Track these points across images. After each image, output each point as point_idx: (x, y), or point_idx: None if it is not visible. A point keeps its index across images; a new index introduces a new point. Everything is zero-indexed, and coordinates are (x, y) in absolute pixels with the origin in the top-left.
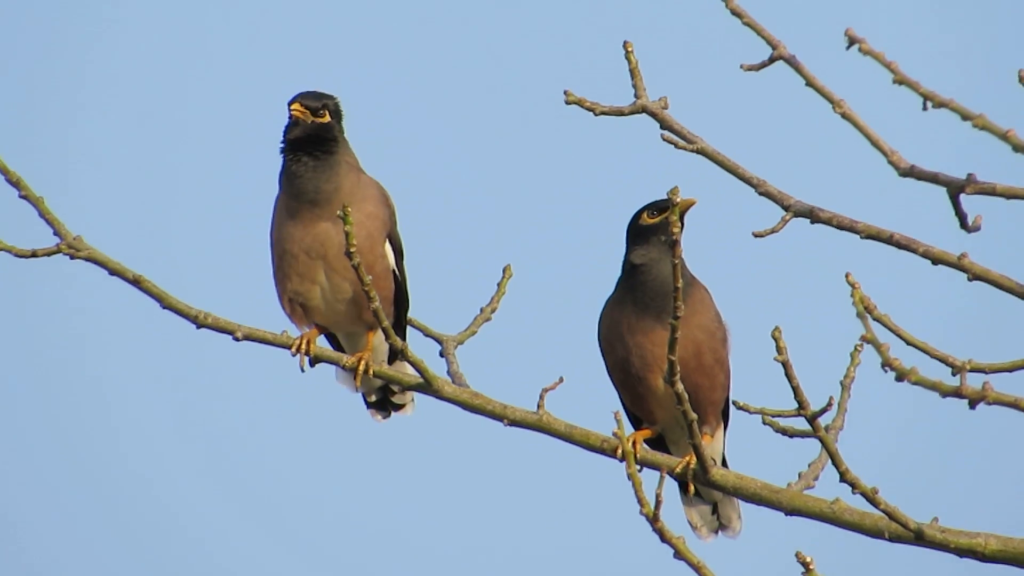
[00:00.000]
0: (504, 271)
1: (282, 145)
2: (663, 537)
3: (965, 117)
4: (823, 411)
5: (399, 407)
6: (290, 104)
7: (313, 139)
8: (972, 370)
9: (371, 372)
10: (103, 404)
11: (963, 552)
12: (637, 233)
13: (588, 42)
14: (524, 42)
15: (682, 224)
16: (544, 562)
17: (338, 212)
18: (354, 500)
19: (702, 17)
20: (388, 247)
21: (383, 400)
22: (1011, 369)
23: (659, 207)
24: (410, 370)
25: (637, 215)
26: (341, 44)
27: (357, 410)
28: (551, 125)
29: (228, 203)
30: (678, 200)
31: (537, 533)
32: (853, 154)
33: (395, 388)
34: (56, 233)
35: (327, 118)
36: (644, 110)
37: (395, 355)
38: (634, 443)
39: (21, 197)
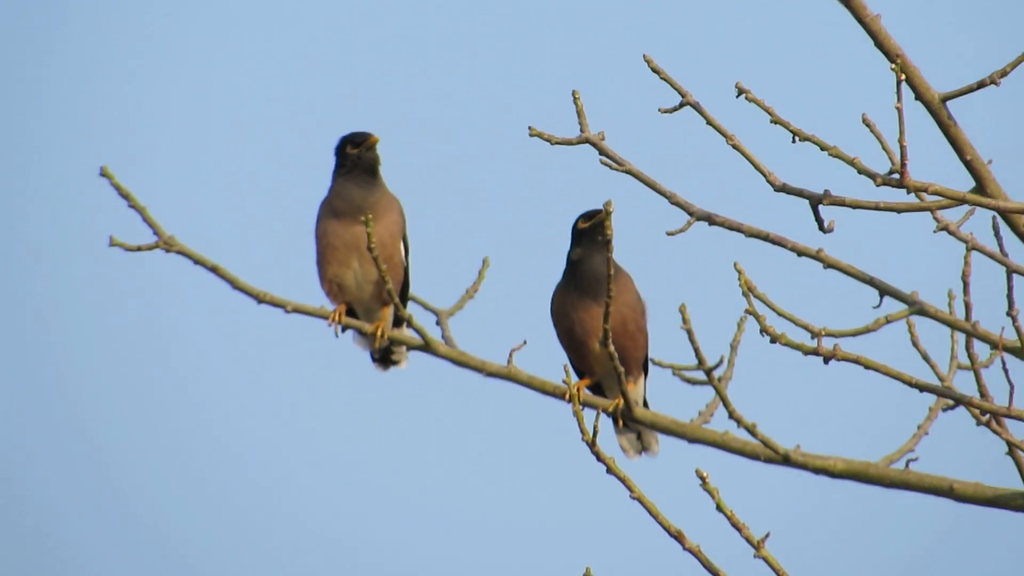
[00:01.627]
0: (484, 261)
1: (344, 165)
2: (599, 458)
3: (822, 148)
4: (716, 366)
5: (396, 363)
6: (362, 140)
7: (360, 163)
8: (826, 335)
9: (386, 336)
10: (191, 366)
11: (818, 470)
12: (576, 235)
13: (550, 77)
14: (501, 75)
15: (612, 229)
16: (510, 489)
17: (361, 218)
18: (360, 433)
19: (634, 71)
20: (402, 245)
21: (384, 358)
22: (854, 334)
23: (590, 215)
24: (413, 335)
25: (576, 221)
26: (365, 60)
27: (365, 365)
28: (519, 148)
29: (277, 200)
30: (610, 209)
31: (506, 464)
32: (742, 173)
33: (395, 348)
34: (155, 233)
35: (374, 150)
36: (587, 141)
37: (400, 323)
38: (578, 389)
39: (130, 207)
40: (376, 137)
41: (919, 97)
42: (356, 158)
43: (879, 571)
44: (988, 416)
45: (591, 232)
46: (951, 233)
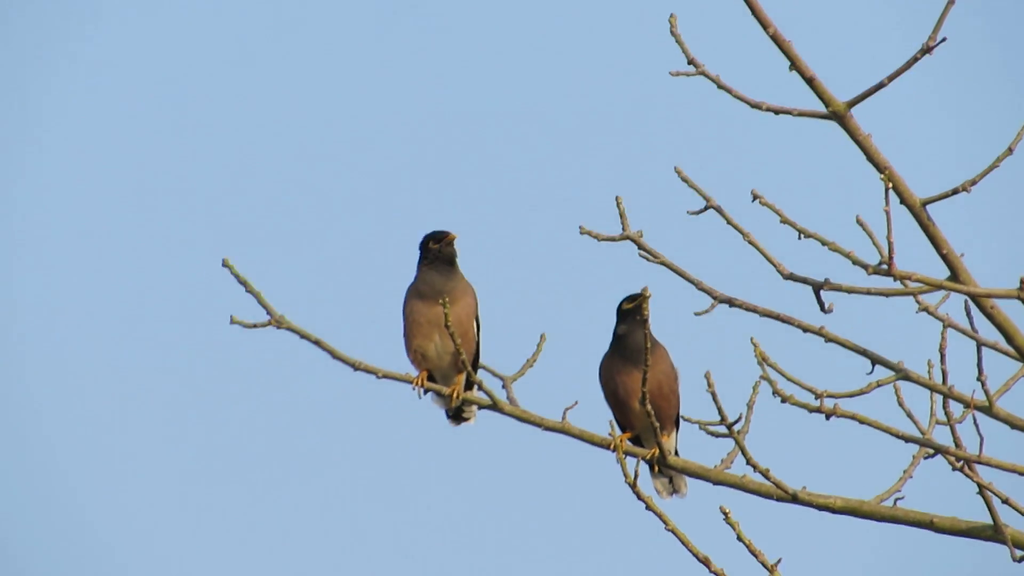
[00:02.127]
0: (541, 336)
1: (427, 257)
2: (639, 497)
3: (823, 243)
4: (736, 422)
5: (467, 419)
6: (442, 237)
7: (441, 257)
8: (827, 396)
9: (460, 397)
10: (298, 425)
11: (821, 507)
12: (620, 314)
13: (592, 179)
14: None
15: (648, 310)
16: (564, 525)
17: (440, 301)
18: (437, 478)
19: (666, 177)
20: (474, 323)
21: (457, 416)
22: (850, 396)
23: (632, 298)
24: (483, 396)
25: (620, 303)
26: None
27: (440, 421)
28: (571, 242)
29: (365, 281)
30: (647, 295)
31: (560, 505)
32: (757, 264)
33: (467, 408)
34: (268, 313)
35: (452, 246)
36: (628, 238)
37: (471, 386)
38: (622, 440)
39: (247, 292)
40: (454, 235)
41: (903, 201)
42: (438, 252)
43: None
44: (962, 462)
45: (632, 312)
46: (930, 313)
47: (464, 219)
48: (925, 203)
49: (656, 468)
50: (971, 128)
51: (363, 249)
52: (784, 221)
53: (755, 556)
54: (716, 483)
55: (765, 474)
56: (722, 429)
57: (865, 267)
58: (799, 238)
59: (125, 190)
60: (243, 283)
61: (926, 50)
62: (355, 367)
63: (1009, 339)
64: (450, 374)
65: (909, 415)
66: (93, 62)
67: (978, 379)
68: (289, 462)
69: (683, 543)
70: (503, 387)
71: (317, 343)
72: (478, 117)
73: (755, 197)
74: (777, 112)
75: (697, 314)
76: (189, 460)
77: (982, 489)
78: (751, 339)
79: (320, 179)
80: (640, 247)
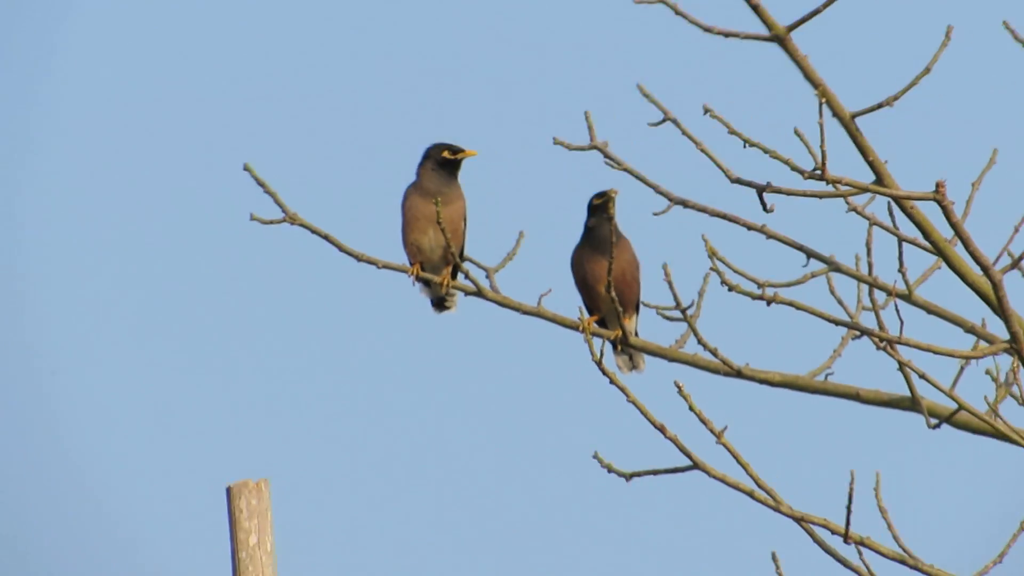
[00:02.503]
0: (520, 234)
1: (430, 162)
2: (604, 372)
3: (765, 151)
4: (689, 307)
5: (448, 308)
6: (457, 151)
7: (448, 165)
8: (768, 286)
9: (448, 284)
10: (310, 311)
11: (762, 381)
12: (590, 209)
13: (566, 94)
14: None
15: (615, 207)
16: (537, 398)
17: (435, 202)
18: (421, 357)
19: (631, 94)
20: (463, 222)
21: (440, 304)
22: (788, 285)
23: (601, 195)
24: (468, 284)
25: (591, 199)
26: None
27: (425, 307)
28: (546, 151)
29: (362, 182)
30: (613, 194)
31: (534, 380)
32: (708, 170)
33: (448, 297)
34: (283, 211)
35: (462, 160)
36: (595, 147)
37: (457, 275)
38: (589, 323)
39: (265, 192)
40: (473, 152)
41: (835, 115)
42: (448, 161)
43: (803, 456)
44: (884, 343)
45: (601, 208)
46: (858, 213)
47: (454, 131)
48: (854, 116)
49: (619, 347)
50: (898, 48)
51: (362, 153)
52: (732, 132)
53: (705, 424)
54: (671, 360)
55: (714, 352)
56: (677, 314)
57: (801, 172)
58: (744, 147)
59: (143, 105)
60: (262, 184)
61: None
62: (358, 258)
63: (926, 235)
64: (440, 265)
65: (839, 302)
66: None
67: (899, 271)
68: (296, 343)
69: (642, 412)
70: (486, 277)
71: (326, 237)
72: (470, 44)
73: (706, 111)
74: (726, 35)
75: (655, 214)
76: (205, 340)
77: (902, 366)
78: (702, 236)
79: (322, 95)
80: (605, 155)
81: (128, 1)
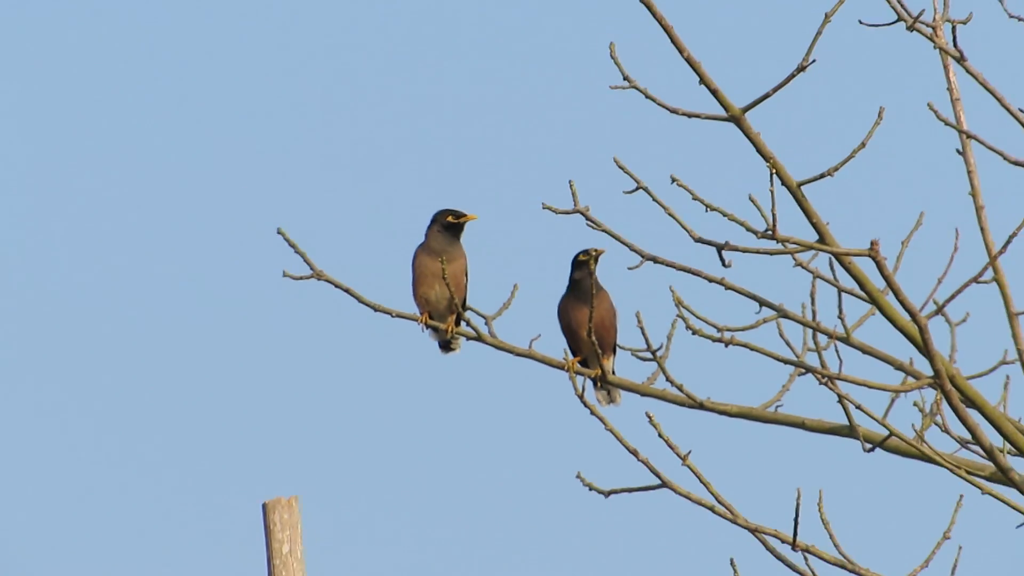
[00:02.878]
0: (515, 286)
1: (436, 225)
2: (585, 404)
3: (723, 215)
4: (658, 349)
5: (454, 350)
6: (460, 216)
7: (452, 228)
8: (726, 331)
9: (452, 331)
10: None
11: (721, 413)
12: (575, 264)
13: (555, 162)
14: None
15: (596, 263)
16: (526, 423)
17: (441, 260)
18: (429, 393)
19: (609, 163)
20: (465, 277)
21: (446, 346)
22: (743, 330)
23: (586, 252)
24: (470, 330)
25: (576, 255)
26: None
27: (432, 349)
28: (534, 215)
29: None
30: (595, 253)
31: (524, 410)
32: (675, 230)
33: (454, 340)
34: (311, 268)
35: (464, 224)
36: (578, 212)
37: (460, 323)
38: (573, 363)
39: (289, 245)
40: (473, 216)
41: (784, 183)
42: (452, 224)
43: (756, 476)
44: (826, 379)
45: (585, 264)
46: (804, 268)
47: (457, 198)
48: (800, 184)
49: (598, 384)
50: (838, 125)
51: (378, 217)
52: (695, 198)
53: (672, 449)
54: (643, 395)
55: (680, 388)
56: (648, 355)
57: (755, 233)
58: (706, 211)
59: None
60: (292, 246)
61: (801, 69)
62: (375, 309)
63: (862, 286)
64: (445, 314)
65: (787, 344)
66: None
67: (839, 317)
68: (323, 381)
69: (618, 439)
70: (485, 324)
71: (347, 291)
72: (472, 121)
73: (673, 180)
74: (689, 116)
75: (630, 268)
76: (244, 380)
77: (841, 399)
78: (670, 287)
79: (343, 168)
80: (587, 218)
81: (144, 71)
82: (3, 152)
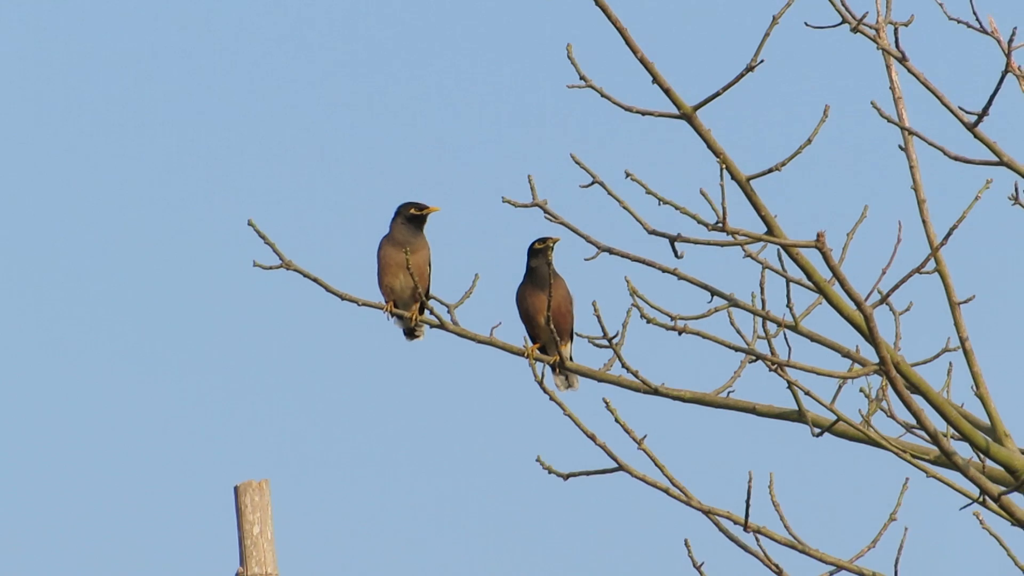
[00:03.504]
0: (475, 276)
1: (400, 217)
2: (544, 390)
3: (676, 208)
4: (614, 337)
5: (418, 337)
6: (422, 208)
7: (415, 220)
8: (679, 319)
9: (416, 319)
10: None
11: (675, 398)
12: (531, 252)
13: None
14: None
15: (552, 251)
16: (488, 410)
17: (405, 251)
18: (393, 378)
19: (566, 158)
20: (428, 267)
21: (410, 333)
22: (696, 318)
23: (543, 240)
24: (432, 318)
25: (532, 243)
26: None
27: (398, 337)
28: (494, 209)
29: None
30: (551, 244)
31: (485, 396)
32: (629, 222)
33: (418, 328)
34: (280, 258)
35: (427, 216)
36: (537, 205)
37: (423, 311)
38: (532, 350)
39: (259, 236)
40: (436, 208)
41: (734, 177)
42: (414, 216)
43: (709, 460)
44: (776, 366)
45: (542, 252)
46: (753, 258)
47: (422, 191)
48: (749, 179)
49: (557, 370)
50: (786, 121)
51: (344, 208)
52: (648, 192)
53: (628, 433)
54: (600, 381)
55: (635, 374)
56: (604, 342)
57: (706, 225)
58: (659, 204)
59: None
60: (262, 237)
61: (750, 68)
62: (342, 297)
63: (809, 276)
64: (409, 303)
65: (738, 332)
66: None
67: (787, 306)
68: (292, 367)
69: (576, 424)
70: (448, 312)
71: (315, 280)
72: (436, 117)
73: (628, 175)
74: (643, 113)
75: (586, 259)
76: (216, 367)
77: (790, 385)
78: (625, 277)
79: (315, 160)
80: (545, 211)
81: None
82: None
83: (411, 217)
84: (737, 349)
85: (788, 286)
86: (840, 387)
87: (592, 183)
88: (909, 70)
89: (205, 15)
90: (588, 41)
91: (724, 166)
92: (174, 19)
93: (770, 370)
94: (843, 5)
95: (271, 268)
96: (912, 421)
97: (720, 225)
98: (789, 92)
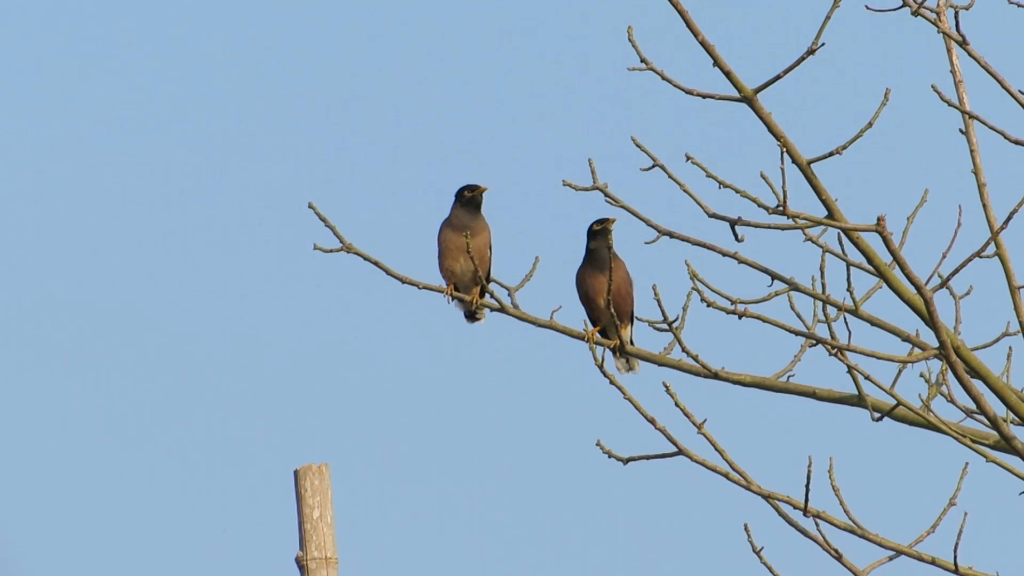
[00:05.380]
0: (536, 259)
1: (458, 201)
2: (604, 374)
3: (736, 191)
4: (675, 320)
5: (479, 319)
6: (475, 189)
7: (471, 202)
8: (740, 303)
9: (477, 302)
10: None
11: (735, 382)
12: (591, 234)
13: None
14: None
15: (611, 233)
16: (549, 391)
17: (465, 234)
18: (451, 362)
19: (627, 141)
20: (489, 250)
21: (471, 316)
22: (756, 302)
23: (600, 221)
24: (493, 302)
25: (591, 225)
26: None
27: (458, 320)
28: (556, 191)
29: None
30: (610, 226)
31: (546, 378)
32: (691, 206)
33: (479, 311)
34: (340, 241)
35: (480, 196)
36: (597, 188)
37: (484, 294)
38: (593, 333)
39: (319, 219)
40: (485, 188)
41: (794, 161)
42: (470, 198)
43: (770, 444)
44: (836, 350)
45: (602, 233)
46: (814, 242)
47: (483, 175)
48: (810, 162)
49: (617, 353)
50: (847, 104)
51: (403, 192)
52: (709, 175)
53: (688, 417)
54: (660, 364)
55: (695, 358)
56: (664, 326)
57: (767, 208)
58: (719, 188)
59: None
60: (323, 220)
61: (811, 51)
62: (403, 281)
63: (870, 260)
64: (470, 286)
65: (798, 316)
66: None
67: (847, 290)
68: (355, 351)
69: (636, 408)
70: (508, 295)
71: (376, 263)
72: (505, 105)
73: (688, 158)
74: (704, 96)
75: (647, 243)
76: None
77: (850, 369)
78: (685, 261)
79: (379, 146)
80: (606, 195)
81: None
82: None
83: (467, 200)
84: (797, 333)
85: (848, 270)
86: (900, 371)
87: (653, 166)
88: (970, 54)
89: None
90: (649, 24)
91: (785, 149)
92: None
93: (830, 354)
94: None
95: (332, 251)
96: (972, 406)
97: (781, 209)
98: (850, 75)
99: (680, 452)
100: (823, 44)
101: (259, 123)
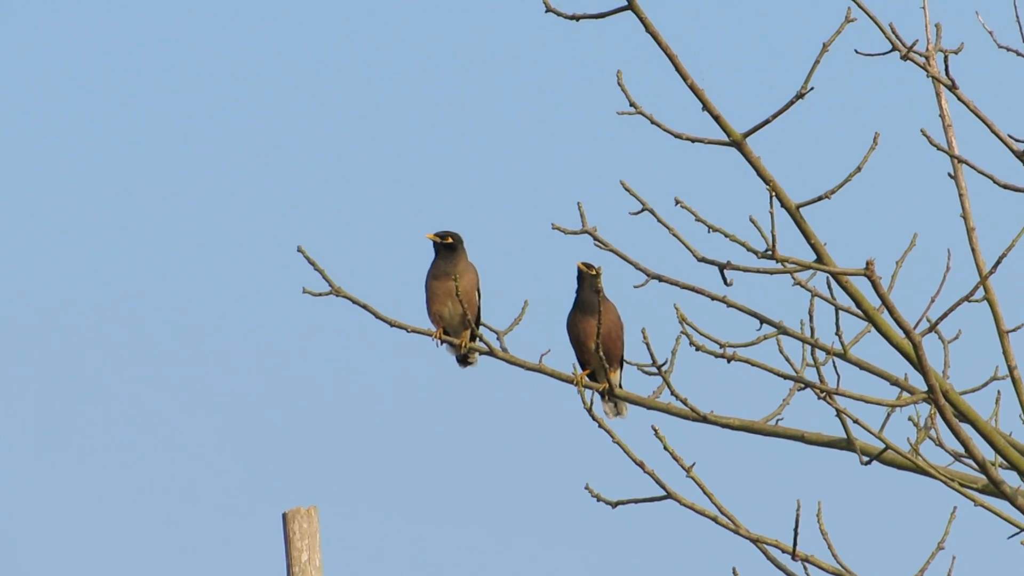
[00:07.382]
0: (525, 302)
1: (436, 249)
2: (593, 417)
3: (725, 235)
4: (664, 364)
5: (471, 363)
6: (443, 237)
7: (445, 248)
8: (728, 346)
9: (466, 346)
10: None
11: (724, 426)
12: (580, 277)
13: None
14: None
15: (600, 278)
16: (537, 435)
17: (452, 278)
18: (447, 405)
19: (616, 185)
20: (476, 293)
21: (463, 360)
22: (745, 346)
23: (588, 265)
24: (483, 345)
25: (579, 268)
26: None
27: (451, 363)
28: (545, 233)
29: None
30: (597, 272)
31: (535, 421)
32: (678, 250)
33: (470, 355)
34: (329, 285)
35: (451, 241)
36: (586, 232)
37: (474, 338)
38: (581, 377)
39: (308, 262)
40: (431, 235)
41: (783, 205)
42: (442, 246)
43: (758, 488)
44: (824, 394)
45: (591, 277)
46: (802, 286)
47: (473, 219)
48: (799, 206)
49: (606, 397)
50: (836, 149)
51: (392, 236)
52: (698, 219)
53: (677, 461)
54: (649, 408)
55: (684, 402)
56: (653, 369)
57: (756, 253)
58: (708, 232)
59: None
60: (312, 263)
61: (800, 96)
62: (391, 324)
63: (858, 304)
64: (459, 330)
65: (787, 360)
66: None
67: (836, 334)
68: (342, 394)
69: (625, 451)
70: (497, 339)
71: (364, 307)
72: (490, 149)
73: (677, 202)
74: (692, 140)
75: (636, 286)
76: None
77: (839, 413)
78: (674, 305)
79: (361, 189)
80: (595, 238)
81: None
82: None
83: (440, 247)
84: (786, 377)
85: (837, 314)
86: (889, 415)
87: (642, 210)
88: (959, 98)
89: (254, 26)
90: (638, 68)
91: (774, 193)
92: (217, 29)
93: (819, 398)
94: (893, 33)
95: (321, 295)
96: (960, 450)
97: (770, 253)
98: (839, 119)
99: (669, 496)
100: (812, 88)
101: (248, 165)
